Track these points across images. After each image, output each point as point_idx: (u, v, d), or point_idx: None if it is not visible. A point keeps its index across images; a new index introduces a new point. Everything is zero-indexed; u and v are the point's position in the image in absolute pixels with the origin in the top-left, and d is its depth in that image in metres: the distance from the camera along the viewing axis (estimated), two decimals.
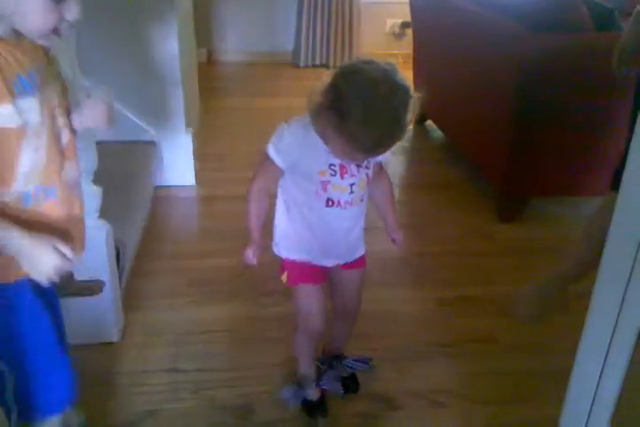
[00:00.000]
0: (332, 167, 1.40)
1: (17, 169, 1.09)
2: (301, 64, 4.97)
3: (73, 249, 1.13)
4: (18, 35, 1.06)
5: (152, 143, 2.85)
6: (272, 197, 1.51)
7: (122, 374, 1.83)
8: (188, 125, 2.92)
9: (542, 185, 2.70)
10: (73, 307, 1.68)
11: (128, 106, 2.76)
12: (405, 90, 1.26)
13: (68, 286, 1.72)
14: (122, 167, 2.51)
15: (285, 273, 1.57)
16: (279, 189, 1.51)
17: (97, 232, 1.81)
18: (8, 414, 1.32)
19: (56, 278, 1.10)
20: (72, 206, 1.22)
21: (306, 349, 1.69)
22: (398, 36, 5.16)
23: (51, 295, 1.32)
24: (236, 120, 3.83)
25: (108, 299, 1.88)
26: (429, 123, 3.77)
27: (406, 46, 4.40)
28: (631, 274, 0.92)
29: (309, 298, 1.58)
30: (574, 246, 2.07)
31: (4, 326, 1.24)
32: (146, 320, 2.06)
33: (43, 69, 1.13)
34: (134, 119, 2.80)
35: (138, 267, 2.30)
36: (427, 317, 2.16)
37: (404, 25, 4.99)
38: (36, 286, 1.18)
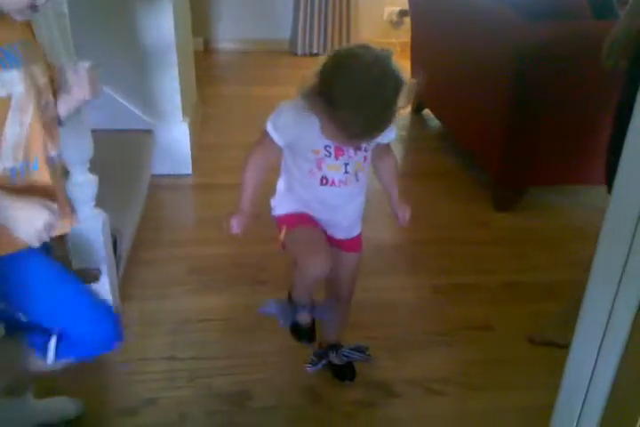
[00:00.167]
0: (328, 149, 1.40)
1: (2, 144, 1.11)
2: (299, 52, 4.96)
3: (61, 213, 1.16)
4: None
5: (148, 132, 2.84)
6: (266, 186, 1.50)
7: (119, 363, 1.84)
8: (184, 114, 2.90)
9: (539, 174, 2.70)
10: None
11: (124, 94, 2.75)
12: (395, 75, 1.26)
13: None
14: (118, 156, 2.50)
15: (283, 227, 1.51)
16: (282, 169, 1.52)
17: (93, 221, 1.81)
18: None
19: (47, 238, 1.12)
20: (52, 179, 1.24)
21: (304, 290, 1.60)
22: (396, 24, 5.13)
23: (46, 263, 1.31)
24: (233, 109, 3.82)
25: (105, 288, 1.88)
26: (426, 112, 3.76)
27: (404, 35, 4.39)
28: (624, 270, 0.93)
29: (311, 234, 1.48)
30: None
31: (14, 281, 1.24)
32: (143, 309, 2.06)
33: (28, 45, 1.15)
34: (131, 108, 2.79)
35: (134, 256, 2.30)
36: (422, 304, 2.17)
37: (402, 13, 4.96)
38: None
